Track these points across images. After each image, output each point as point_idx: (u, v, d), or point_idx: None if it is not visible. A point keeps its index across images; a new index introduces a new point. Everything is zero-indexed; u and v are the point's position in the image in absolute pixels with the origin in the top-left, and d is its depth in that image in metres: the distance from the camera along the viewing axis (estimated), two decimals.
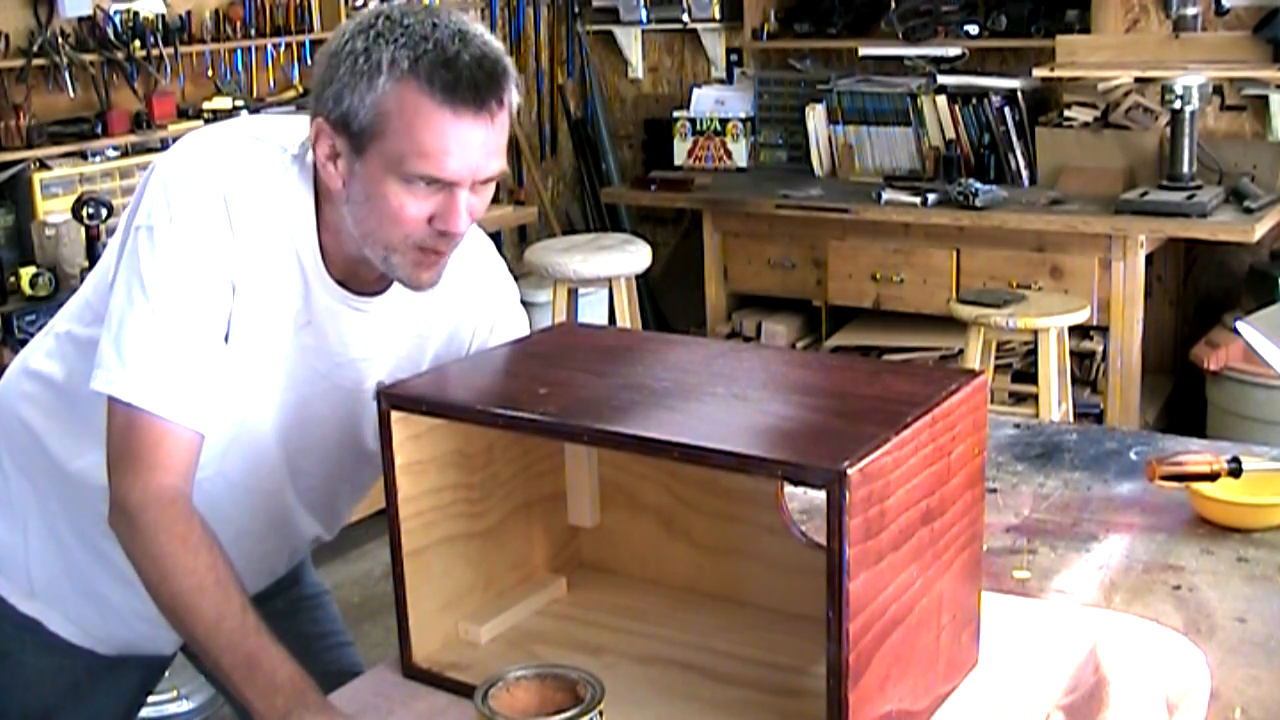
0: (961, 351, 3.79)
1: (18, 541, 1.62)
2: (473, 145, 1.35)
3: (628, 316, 4.24)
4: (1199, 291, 4.49)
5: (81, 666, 1.67)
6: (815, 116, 4.80)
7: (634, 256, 4.21)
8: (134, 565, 1.38)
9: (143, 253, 1.38)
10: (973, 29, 4.55)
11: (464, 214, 1.38)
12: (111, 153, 3.77)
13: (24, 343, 1.64)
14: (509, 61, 1.38)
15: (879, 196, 4.25)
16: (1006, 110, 4.45)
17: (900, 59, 4.69)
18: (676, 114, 5.14)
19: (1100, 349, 4.11)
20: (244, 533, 1.51)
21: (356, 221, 1.40)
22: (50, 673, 1.66)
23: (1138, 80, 4.27)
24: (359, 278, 1.49)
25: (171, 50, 3.94)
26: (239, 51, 4.23)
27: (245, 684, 1.30)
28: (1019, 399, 4.08)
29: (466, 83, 1.32)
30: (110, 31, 3.81)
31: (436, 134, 1.33)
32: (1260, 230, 3.83)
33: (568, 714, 1.18)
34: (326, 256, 1.46)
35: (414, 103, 1.32)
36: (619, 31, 5.43)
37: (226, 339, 1.41)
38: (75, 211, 3.46)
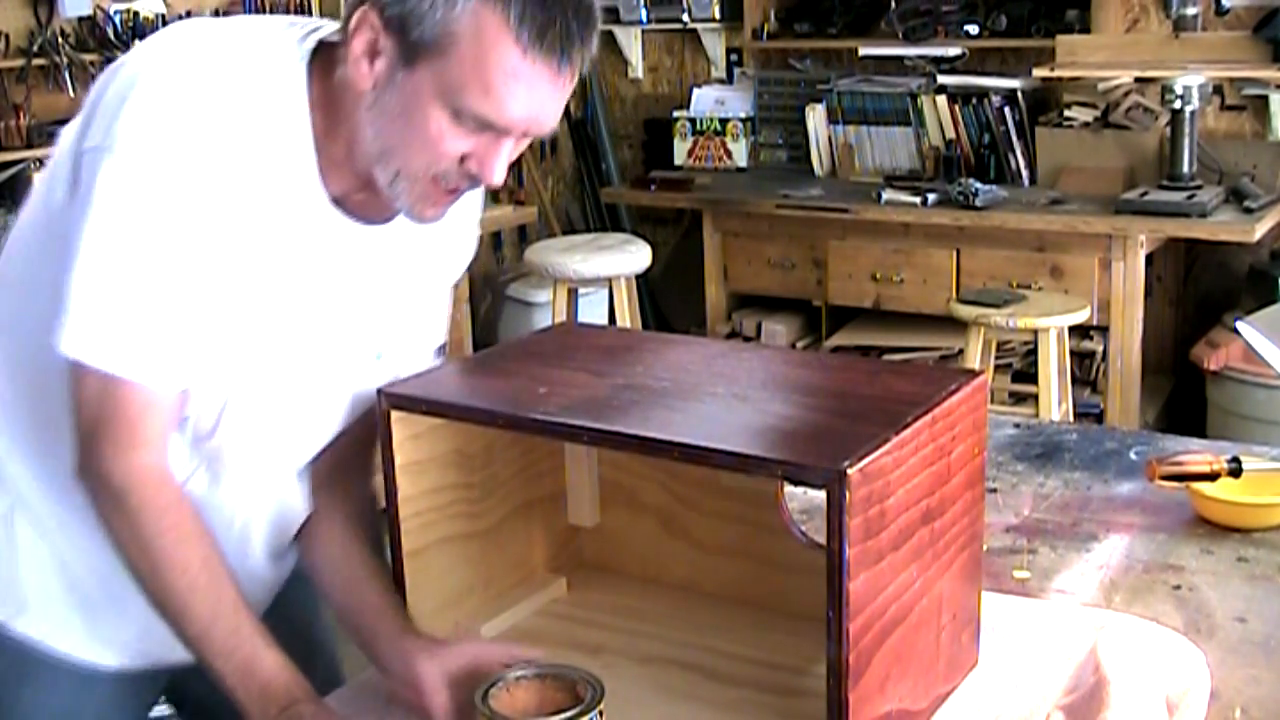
0: (961, 351, 3.79)
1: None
2: (542, 98, 1.22)
3: (628, 316, 4.24)
4: (1199, 291, 4.49)
5: (90, 711, 1.49)
6: (815, 116, 4.81)
7: (634, 256, 4.22)
8: (118, 547, 1.28)
9: (104, 185, 1.19)
10: (973, 29, 4.55)
11: (504, 165, 1.25)
12: None
13: None
14: (600, 7, 1.26)
15: (879, 196, 4.25)
16: (1006, 110, 4.45)
17: (900, 59, 4.70)
18: (676, 114, 5.15)
19: (1100, 349, 4.11)
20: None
21: (377, 132, 1.24)
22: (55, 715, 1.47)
23: (1138, 80, 4.27)
24: (363, 199, 1.32)
25: None
26: None
27: (239, 688, 1.26)
28: (1019, 399, 4.08)
29: (561, 30, 1.19)
30: (110, 31, 3.81)
31: (508, 77, 1.19)
32: (1260, 230, 3.83)
33: (568, 714, 1.18)
34: (325, 174, 1.29)
35: (493, 35, 1.17)
36: (619, 31, 5.43)
37: (203, 285, 1.24)
38: None
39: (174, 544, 1.26)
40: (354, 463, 1.47)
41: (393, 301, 1.42)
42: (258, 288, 1.29)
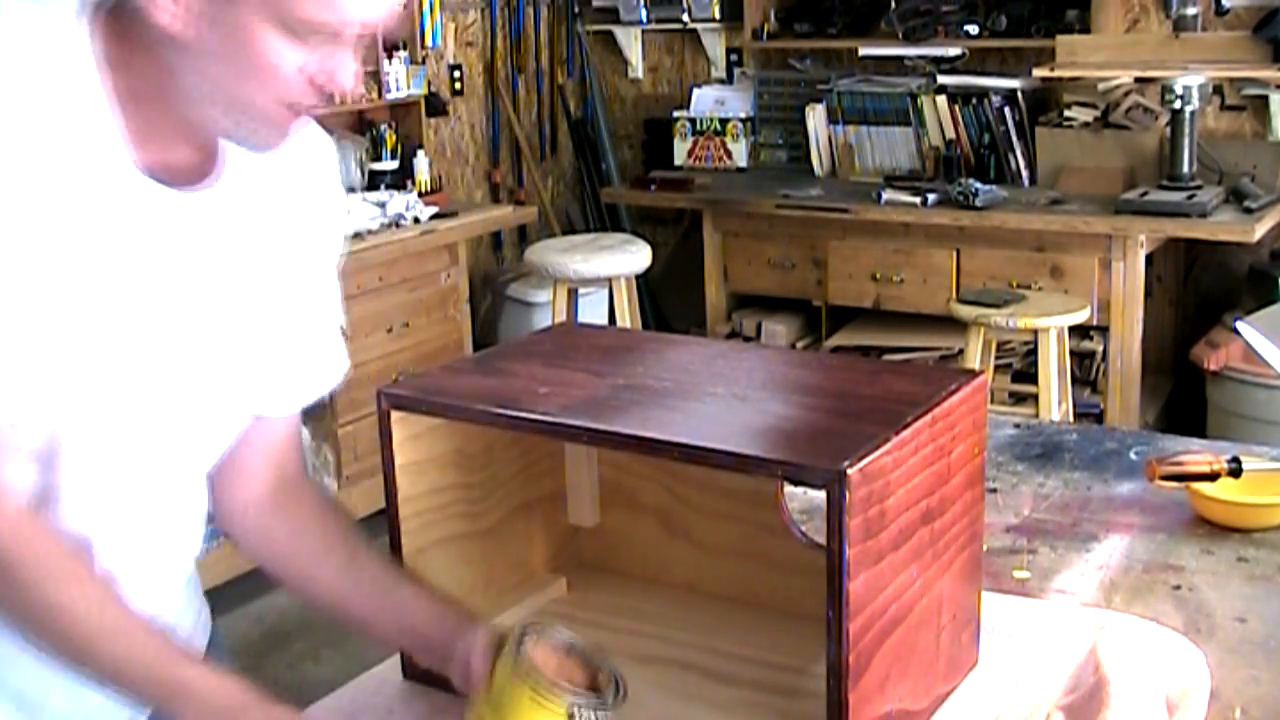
0: (961, 351, 3.79)
1: None
2: None
3: (628, 316, 4.24)
4: (1199, 291, 4.49)
5: None
6: (815, 116, 4.81)
7: (634, 256, 4.22)
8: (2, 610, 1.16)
9: None
10: (973, 29, 4.55)
11: (353, 69, 1.14)
12: None
13: None
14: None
15: (879, 196, 4.26)
16: (1006, 110, 4.45)
17: (900, 59, 4.70)
18: (676, 114, 5.15)
19: (1100, 349, 4.11)
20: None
21: (206, 75, 1.12)
22: None
23: (1138, 80, 4.27)
24: (180, 159, 1.19)
25: None
26: None
27: (174, 713, 1.16)
28: (1019, 399, 4.08)
29: None
30: None
31: None
32: (1260, 230, 3.83)
33: (599, 699, 1.16)
34: (134, 139, 1.15)
35: None
36: (619, 31, 5.43)
37: (22, 297, 1.10)
38: None
39: (67, 597, 1.14)
40: (291, 470, 1.39)
41: (250, 284, 1.27)
42: (80, 285, 1.13)
